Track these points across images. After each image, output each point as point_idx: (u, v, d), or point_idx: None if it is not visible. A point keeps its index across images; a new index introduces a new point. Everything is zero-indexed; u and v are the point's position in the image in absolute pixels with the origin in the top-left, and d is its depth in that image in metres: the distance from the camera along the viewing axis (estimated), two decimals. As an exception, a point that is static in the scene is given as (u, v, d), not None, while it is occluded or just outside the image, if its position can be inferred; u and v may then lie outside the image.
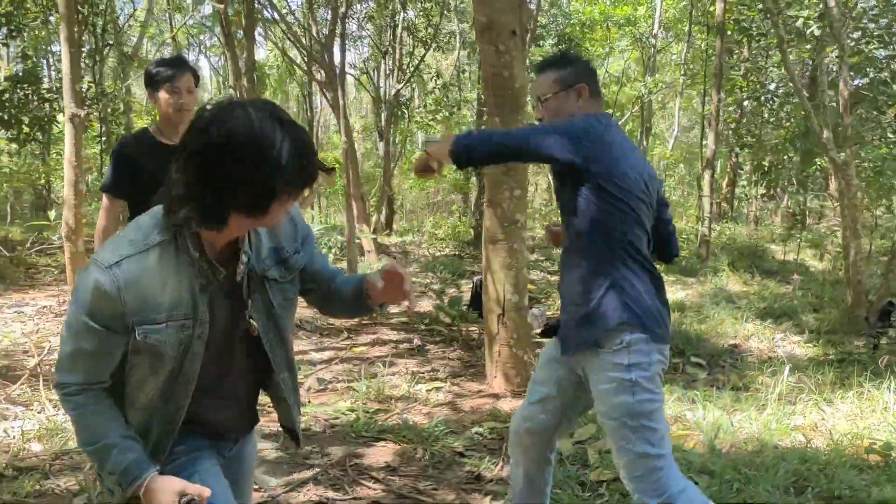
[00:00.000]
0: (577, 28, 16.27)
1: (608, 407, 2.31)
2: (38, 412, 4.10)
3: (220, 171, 1.42)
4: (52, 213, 9.76)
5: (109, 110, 15.06)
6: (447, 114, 14.44)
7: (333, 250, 10.49)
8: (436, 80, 13.79)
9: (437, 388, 5.01)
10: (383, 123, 15.19)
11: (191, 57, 24.55)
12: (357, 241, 11.25)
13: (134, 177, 3.39)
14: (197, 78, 3.53)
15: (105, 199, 3.49)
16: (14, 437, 3.75)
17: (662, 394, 2.35)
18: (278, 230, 1.70)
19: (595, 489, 3.35)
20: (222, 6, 5.60)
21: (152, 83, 3.36)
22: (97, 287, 1.46)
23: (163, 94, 3.35)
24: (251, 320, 1.68)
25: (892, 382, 4.73)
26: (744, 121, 17.73)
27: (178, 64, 3.42)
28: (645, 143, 20.02)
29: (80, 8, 10.59)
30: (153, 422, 1.63)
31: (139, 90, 24.41)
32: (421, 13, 14.40)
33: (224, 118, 1.42)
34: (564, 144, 2.25)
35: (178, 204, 1.51)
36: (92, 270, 1.48)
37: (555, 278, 9.40)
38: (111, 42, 16.07)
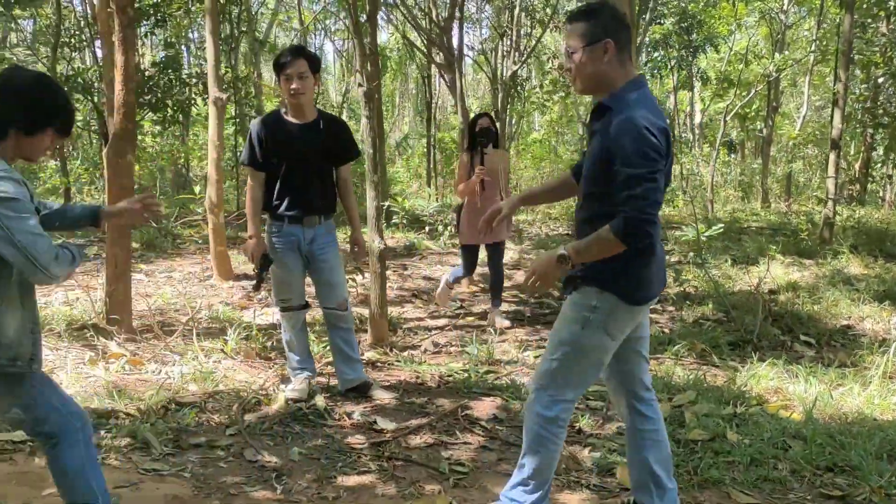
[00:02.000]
0: (700, 4, 15.91)
1: None
2: (192, 359, 4.68)
3: None
4: (197, 188, 10.66)
5: (242, 94, 16.04)
6: (563, 94, 14.51)
7: (449, 228, 10.89)
8: (553, 61, 13.88)
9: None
10: (499, 104, 15.44)
11: (316, 41, 25.54)
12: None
13: (267, 149, 3.96)
14: (314, 63, 3.99)
15: (249, 172, 4.07)
16: (174, 379, 4.33)
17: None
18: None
19: (690, 446, 3.56)
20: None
21: (276, 70, 4.01)
22: (18, 179, 2.11)
23: (282, 79, 3.95)
24: None
25: None
26: (880, 99, 16.82)
27: (293, 52, 3.96)
28: (770, 122, 19.34)
29: (218, -1, 11.41)
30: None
31: (268, 74, 25.69)
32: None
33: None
34: (662, 172, 2.39)
35: None
36: (8, 175, 2.09)
37: (667, 257, 9.42)
38: (244, 29, 17.06)
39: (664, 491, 2.77)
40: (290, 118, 4.06)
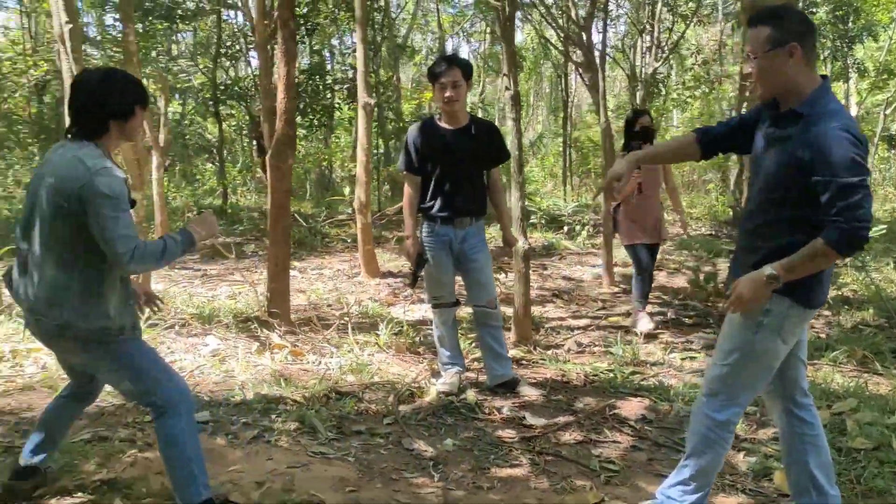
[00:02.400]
0: (858, -9, 14.99)
1: None
2: (348, 352, 4.96)
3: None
4: (346, 190, 11.19)
5: (383, 97, 16.59)
6: (706, 90, 14.06)
7: (587, 227, 10.85)
8: (696, 56, 13.48)
9: (692, 358, 5.22)
10: (639, 101, 15.15)
11: (453, 43, 25.94)
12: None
13: (422, 154, 4.16)
14: (466, 71, 4.15)
15: (406, 176, 4.27)
16: (333, 370, 4.62)
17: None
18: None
19: (852, 455, 3.44)
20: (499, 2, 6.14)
21: (430, 78, 4.17)
22: (121, 178, 2.46)
23: (437, 88, 4.12)
24: None
25: None
26: None
27: (447, 62, 4.11)
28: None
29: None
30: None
31: (407, 77, 26.37)
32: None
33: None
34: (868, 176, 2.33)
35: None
36: (113, 172, 2.43)
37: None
38: (385, 35, 17.63)
39: (825, 497, 2.71)
40: (443, 124, 4.25)
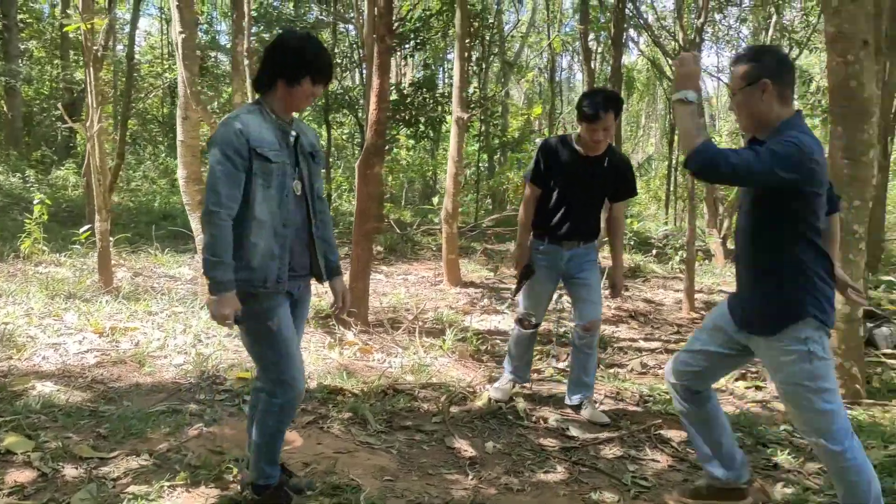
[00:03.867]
0: None
1: (787, 374, 2.66)
2: (413, 353, 5.20)
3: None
4: (435, 200, 11.50)
5: (489, 113, 16.87)
6: (821, 118, 13.57)
7: (681, 252, 10.70)
8: (809, 83, 13.06)
9: (757, 388, 5.15)
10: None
11: (564, 61, 25.94)
12: (703, 243, 11.29)
13: (550, 171, 4.21)
14: (619, 112, 4.09)
15: (527, 187, 4.31)
16: (395, 368, 4.86)
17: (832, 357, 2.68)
18: (308, 133, 2.86)
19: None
20: (582, 27, 6.27)
21: (581, 117, 4.02)
22: (234, 128, 2.55)
23: (587, 127, 4.00)
24: (297, 181, 2.74)
25: None
26: None
27: (604, 106, 3.94)
28: None
29: (472, 22, 12.22)
30: (274, 243, 2.64)
31: (517, 93, 26.60)
32: (800, 12, 13.75)
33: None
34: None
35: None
36: (230, 122, 2.57)
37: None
38: (496, 51, 17.94)
39: None
40: (578, 147, 4.16)
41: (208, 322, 5.29)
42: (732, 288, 2.99)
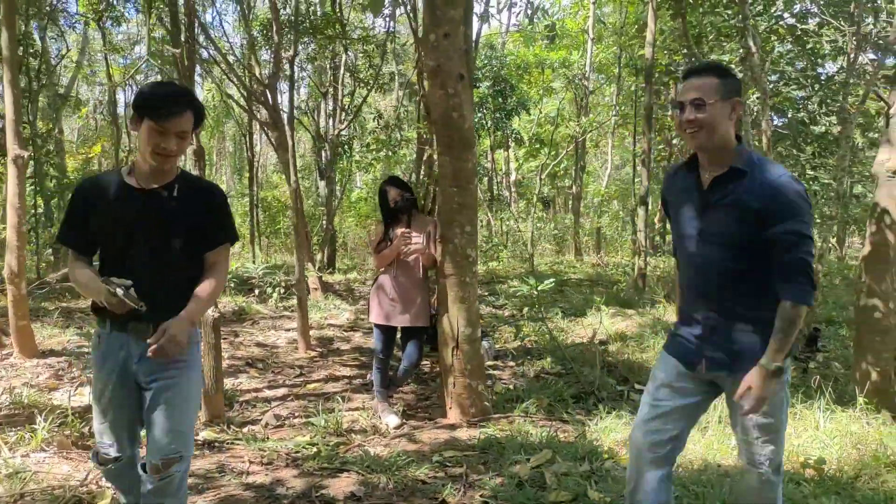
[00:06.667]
0: (513, 70, 16.76)
1: (769, 405, 2.55)
2: None
3: None
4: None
5: (43, 151, 14.78)
6: (389, 153, 14.64)
7: (278, 289, 10.49)
8: (377, 120, 13.97)
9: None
10: (324, 163, 15.30)
11: (127, 96, 24.19)
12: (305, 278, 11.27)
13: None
14: (198, 119, 2.71)
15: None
16: None
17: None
18: None
19: (554, 509, 3.50)
20: (178, 52, 5.69)
21: (142, 111, 2.61)
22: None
23: (148, 129, 2.59)
24: None
25: (821, 403, 5.04)
26: (673, 159, 18.46)
27: (179, 101, 2.63)
28: (579, 180, 20.63)
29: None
30: None
31: (70, 130, 23.98)
32: (362, 55, 14.66)
33: None
34: None
35: None
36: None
37: (500, 312, 9.60)
38: (44, 82, 15.84)
39: None
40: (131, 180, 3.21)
41: None
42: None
